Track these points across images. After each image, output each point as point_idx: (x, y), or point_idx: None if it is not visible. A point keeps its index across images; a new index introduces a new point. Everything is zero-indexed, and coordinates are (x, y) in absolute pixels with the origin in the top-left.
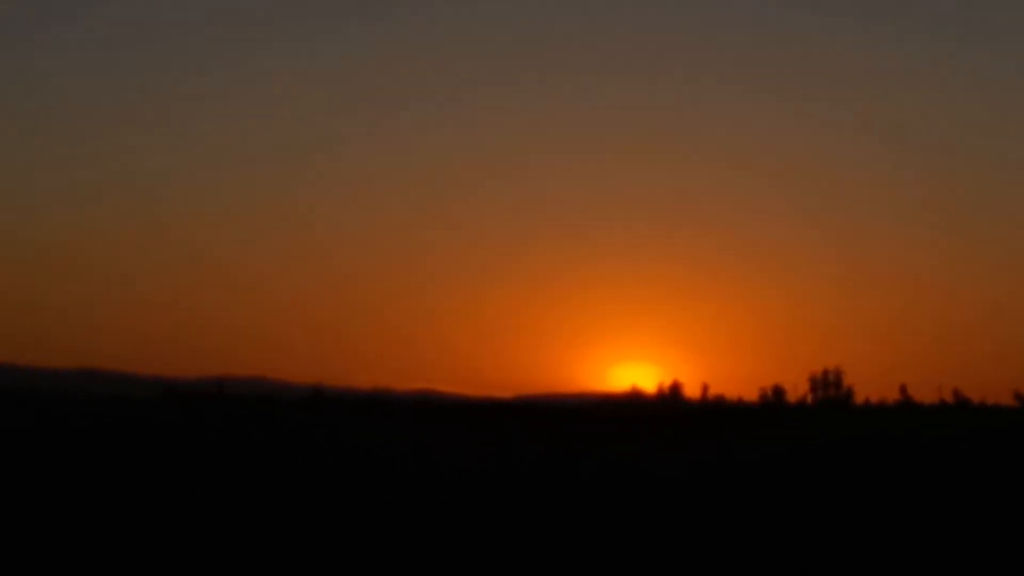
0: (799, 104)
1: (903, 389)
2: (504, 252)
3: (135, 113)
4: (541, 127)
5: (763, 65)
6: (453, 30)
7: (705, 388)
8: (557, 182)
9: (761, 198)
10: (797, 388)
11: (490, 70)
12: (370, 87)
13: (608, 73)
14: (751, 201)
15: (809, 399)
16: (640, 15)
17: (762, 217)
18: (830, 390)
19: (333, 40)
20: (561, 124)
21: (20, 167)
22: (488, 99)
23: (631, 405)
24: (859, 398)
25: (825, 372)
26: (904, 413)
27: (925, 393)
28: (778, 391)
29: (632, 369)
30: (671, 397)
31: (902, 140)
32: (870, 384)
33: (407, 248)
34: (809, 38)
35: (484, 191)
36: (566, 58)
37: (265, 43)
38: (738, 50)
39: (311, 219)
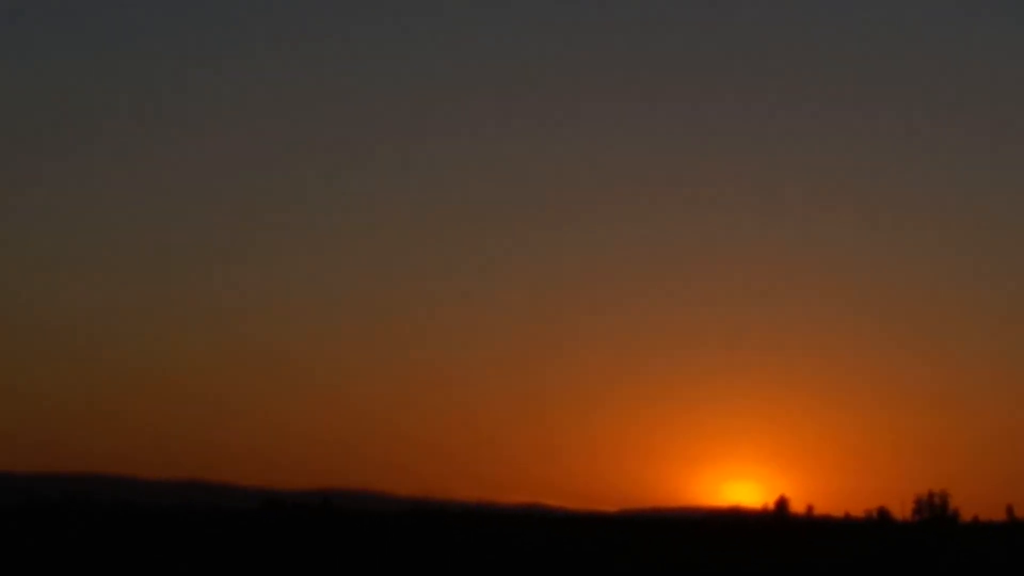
0: (905, 235)
1: (1009, 510)
2: (613, 368)
3: (236, 238)
4: (652, 252)
5: (861, 191)
6: (583, 155)
7: (810, 507)
8: (671, 302)
9: (864, 322)
10: (904, 508)
11: (608, 197)
12: (479, 213)
13: (715, 211)
14: (855, 326)
15: (913, 519)
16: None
17: (864, 341)
18: (935, 511)
19: (439, 173)
20: (674, 249)
21: (123, 288)
22: (602, 221)
23: (736, 520)
24: (965, 516)
25: (931, 494)
26: (1010, 532)
27: None
28: (883, 512)
29: (738, 485)
30: (777, 513)
31: (1005, 261)
32: (975, 503)
33: (517, 361)
34: (908, 166)
35: (597, 307)
36: (681, 191)
37: (373, 173)
38: (842, 179)
39: (415, 334)
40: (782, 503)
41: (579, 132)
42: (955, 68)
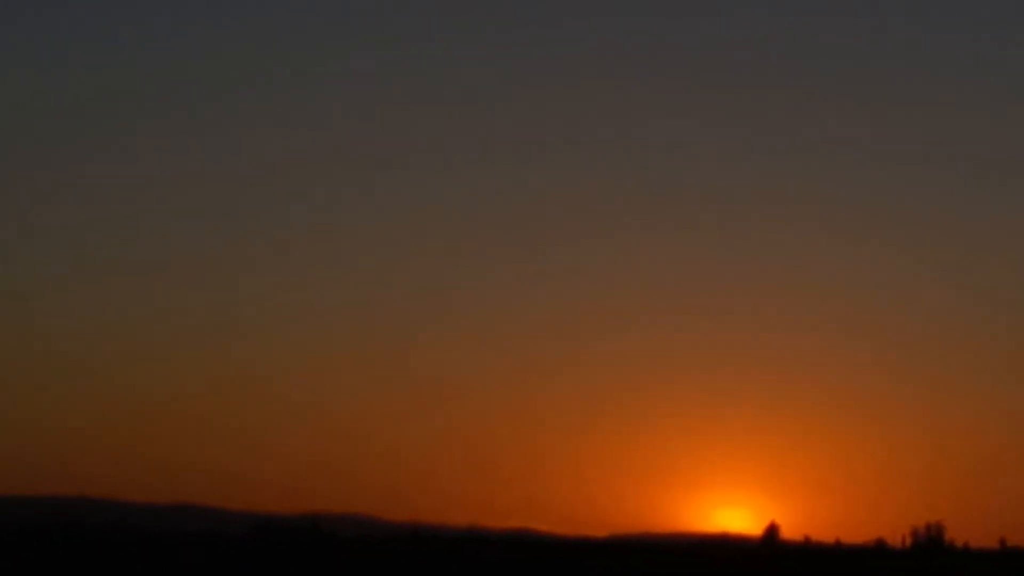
0: (902, 267)
1: (1002, 540)
2: (604, 394)
3: (227, 262)
4: (645, 280)
5: (861, 221)
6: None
7: (807, 537)
8: (664, 329)
9: (861, 352)
10: (903, 540)
11: (604, 224)
12: (469, 239)
13: (709, 241)
14: (852, 355)
15: (909, 547)
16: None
17: (860, 371)
18: (932, 540)
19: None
20: (667, 278)
21: (114, 312)
22: (594, 250)
23: (725, 546)
24: (959, 545)
25: (927, 524)
26: (1003, 561)
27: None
28: (880, 542)
29: (730, 512)
30: (766, 540)
31: (1004, 294)
32: (969, 532)
33: (507, 386)
34: (912, 197)
35: (589, 333)
36: (688, 217)
37: (364, 195)
38: (843, 210)
39: (404, 360)
40: (772, 530)
41: (568, 159)
42: (959, 83)
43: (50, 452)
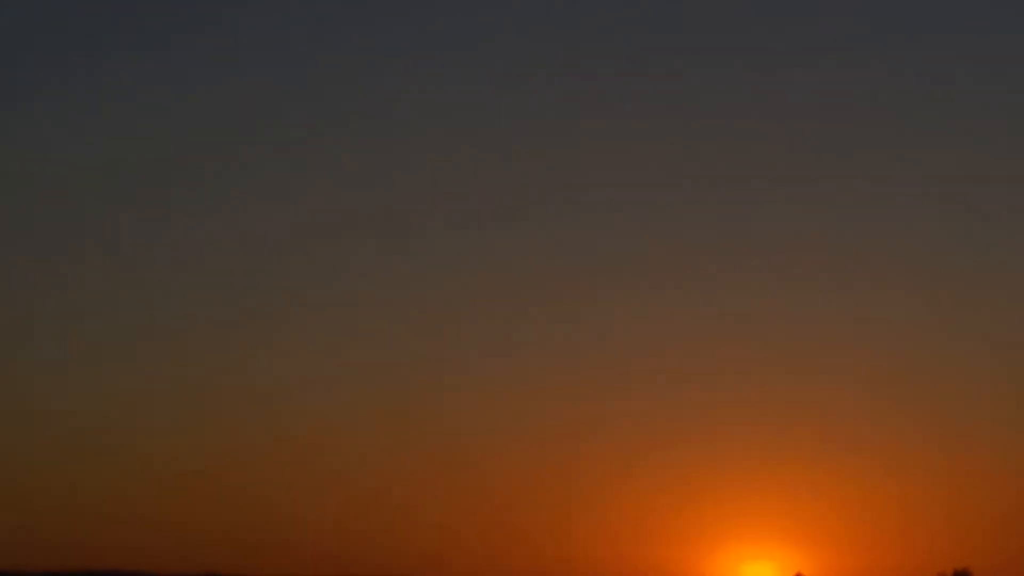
0: (920, 308)
1: None
2: (626, 451)
3: (246, 328)
4: (663, 334)
5: (872, 265)
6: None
7: None
8: (685, 383)
9: (881, 397)
10: None
11: (625, 279)
12: (486, 296)
13: (722, 291)
14: (872, 400)
15: None
16: None
17: (881, 416)
18: None
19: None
20: (684, 330)
21: (130, 379)
22: (612, 305)
23: None
24: None
25: (955, 572)
26: None
27: None
28: None
29: (756, 566)
30: None
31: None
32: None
33: (529, 445)
34: (918, 240)
35: (610, 390)
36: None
37: (370, 254)
38: (854, 252)
39: (425, 421)
40: None
41: (582, 218)
42: (963, 139)
43: (68, 524)
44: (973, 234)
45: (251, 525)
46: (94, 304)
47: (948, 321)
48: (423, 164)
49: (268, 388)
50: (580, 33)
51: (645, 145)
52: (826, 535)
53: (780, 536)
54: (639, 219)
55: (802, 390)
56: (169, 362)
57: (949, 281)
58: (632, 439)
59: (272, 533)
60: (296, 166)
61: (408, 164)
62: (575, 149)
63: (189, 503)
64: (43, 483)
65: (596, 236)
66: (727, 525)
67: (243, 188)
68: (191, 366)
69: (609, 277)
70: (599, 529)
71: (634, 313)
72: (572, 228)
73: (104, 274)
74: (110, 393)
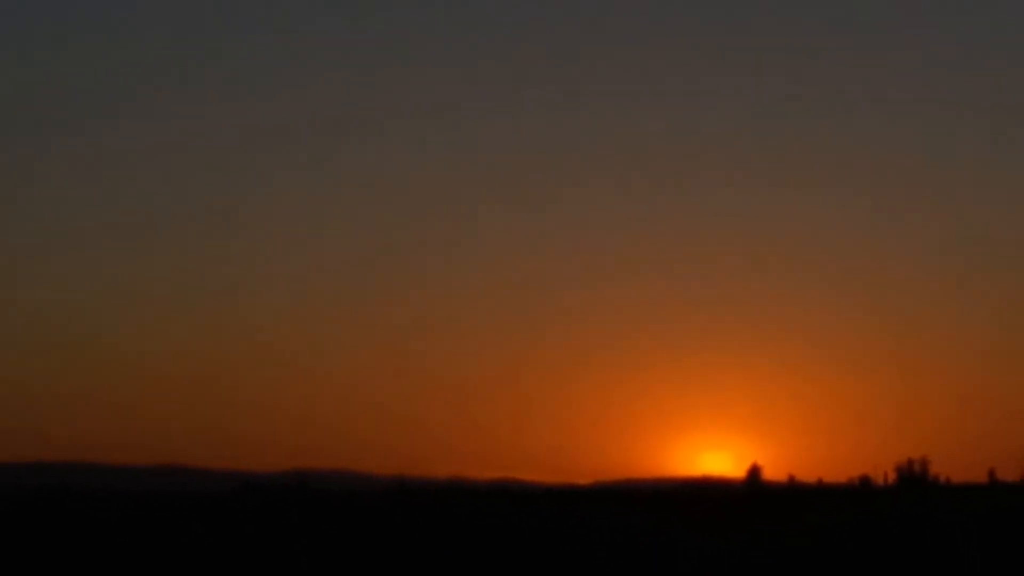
0: (876, 209)
1: (991, 473)
2: (586, 342)
3: (211, 224)
4: (631, 230)
5: (837, 171)
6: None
7: (791, 476)
8: (648, 276)
9: (839, 292)
10: (886, 476)
11: (591, 176)
12: (457, 192)
13: (691, 193)
14: (831, 296)
15: (894, 483)
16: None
17: (840, 310)
18: (916, 477)
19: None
20: (652, 227)
21: (96, 277)
22: (581, 200)
23: (709, 489)
24: (946, 480)
25: (911, 460)
26: (992, 496)
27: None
28: (865, 479)
29: (714, 456)
30: (749, 482)
31: (980, 227)
32: (956, 467)
33: (490, 337)
34: (869, 142)
35: (574, 282)
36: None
37: (349, 157)
38: (817, 159)
39: (387, 314)
40: (754, 471)
41: (554, 116)
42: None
43: (30, 417)
44: (930, 143)
45: (212, 417)
46: (60, 197)
47: (908, 215)
48: (407, 67)
49: (232, 280)
50: None
51: (615, 23)
52: (783, 427)
53: (738, 427)
54: (602, 116)
55: (759, 285)
56: (135, 255)
57: (903, 184)
58: (592, 330)
59: (234, 425)
60: (259, 71)
61: (391, 69)
62: (537, 28)
63: (150, 395)
64: (2, 374)
65: (560, 130)
66: (686, 416)
67: (216, 92)
68: (157, 259)
69: (572, 173)
70: (559, 419)
71: (597, 207)
72: (535, 120)
73: (71, 165)
74: (74, 286)
